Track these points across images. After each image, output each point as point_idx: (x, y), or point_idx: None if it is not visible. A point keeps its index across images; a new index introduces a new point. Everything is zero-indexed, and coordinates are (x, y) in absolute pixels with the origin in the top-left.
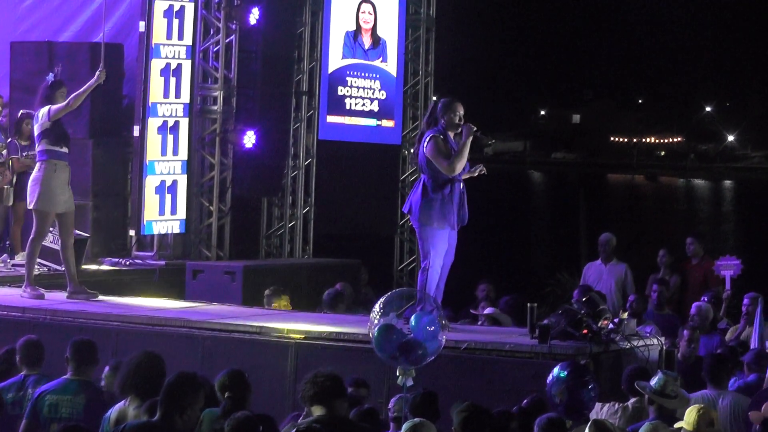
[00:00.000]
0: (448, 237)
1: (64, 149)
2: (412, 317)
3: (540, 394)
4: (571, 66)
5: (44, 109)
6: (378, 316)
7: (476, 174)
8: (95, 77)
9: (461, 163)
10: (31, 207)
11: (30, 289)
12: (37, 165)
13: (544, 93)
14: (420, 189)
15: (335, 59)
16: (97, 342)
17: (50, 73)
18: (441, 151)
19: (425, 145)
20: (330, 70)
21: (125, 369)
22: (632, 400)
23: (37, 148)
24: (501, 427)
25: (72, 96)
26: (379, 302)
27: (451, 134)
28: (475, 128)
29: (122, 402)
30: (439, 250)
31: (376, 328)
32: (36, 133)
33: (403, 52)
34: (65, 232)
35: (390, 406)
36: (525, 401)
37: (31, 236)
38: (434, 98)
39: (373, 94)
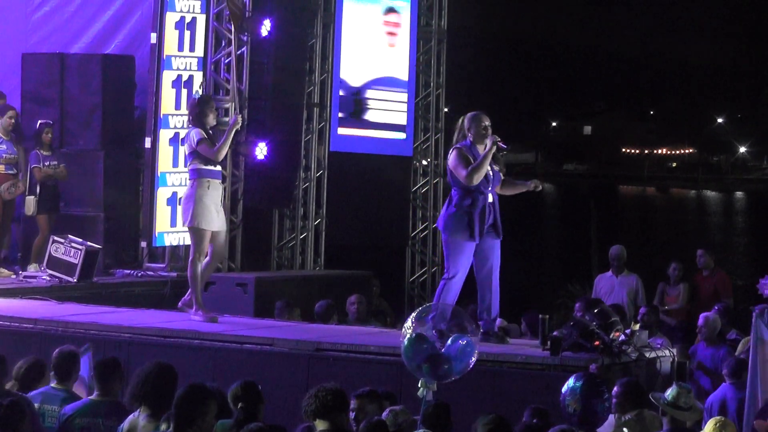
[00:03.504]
0: (472, 249)
1: (216, 167)
2: (452, 335)
3: (541, 406)
4: (583, 77)
5: (193, 133)
6: (411, 330)
7: (532, 188)
8: (232, 122)
9: (479, 173)
10: (186, 225)
11: (202, 313)
12: (190, 183)
13: (556, 104)
14: (447, 201)
15: (360, 73)
16: (108, 354)
17: (196, 90)
18: (461, 162)
19: (449, 156)
20: (358, 84)
21: (136, 380)
22: (629, 415)
23: (189, 166)
24: None
25: (216, 147)
26: (411, 316)
27: (479, 147)
28: (498, 138)
29: (134, 413)
30: (460, 262)
31: (406, 338)
32: (186, 152)
33: (414, 63)
34: (214, 252)
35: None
36: (526, 415)
37: (190, 257)
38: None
39: (385, 106)
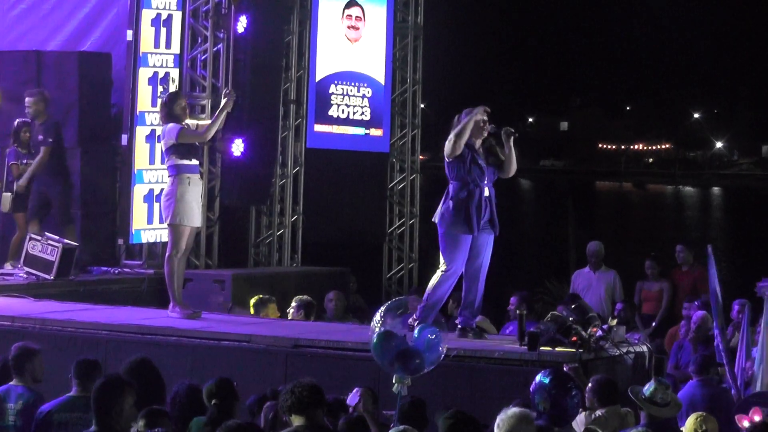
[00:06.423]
0: (469, 242)
1: (194, 162)
2: (417, 327)
3: (525, 400)
4: (559, 73)
5: (169, 126)
6: (379, 325)
7: (508, 136)
8: (224, 103)
9: (461, 140)
10: (166, 223)
11: (180, 309)
12: (170, 180)
13: (532, 100)
14: (444, 195)
15: (323, 67)
16: (86, 351)
17: (160, 92)
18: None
19: (444, 146)
20: (318, 79)
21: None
22: (600, 411)
23: (167, 163)
24: None
25: (205, 127)
26: (380, 310)
27: (477, 142)
28: (513, 130)
29: None
30: (457, 256)
31: (375, 335)
32: (163, 149)
33: (390, 60)
34: (186, 246)
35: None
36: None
37: (168, 253)
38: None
39: (361, 102)
